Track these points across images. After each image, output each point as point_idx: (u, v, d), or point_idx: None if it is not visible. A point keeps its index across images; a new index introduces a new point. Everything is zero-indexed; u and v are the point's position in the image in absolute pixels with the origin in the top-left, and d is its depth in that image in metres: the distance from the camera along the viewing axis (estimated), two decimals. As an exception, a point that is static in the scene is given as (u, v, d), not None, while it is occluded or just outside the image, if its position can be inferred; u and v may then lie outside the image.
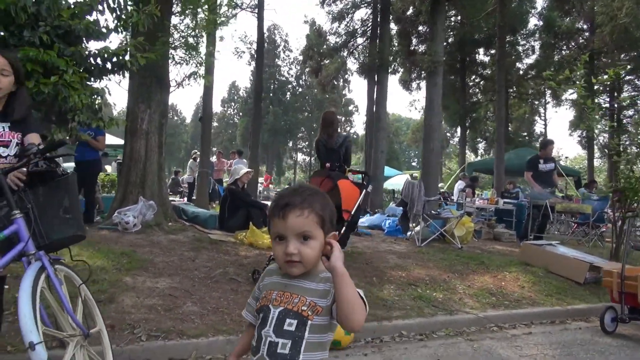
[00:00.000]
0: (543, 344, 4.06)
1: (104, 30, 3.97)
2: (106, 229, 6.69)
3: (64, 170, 2.34)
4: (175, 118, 69.68)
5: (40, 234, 2.27)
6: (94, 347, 2.55)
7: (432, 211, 7.88)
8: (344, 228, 4.81)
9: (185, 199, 15.30)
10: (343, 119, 55.27)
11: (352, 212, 4.87)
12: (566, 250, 6.55)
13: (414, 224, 7.77)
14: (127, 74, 4.35)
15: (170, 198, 16.00)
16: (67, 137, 5.16)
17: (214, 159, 16.61)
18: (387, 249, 6.97)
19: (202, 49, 8.11)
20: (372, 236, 8.28)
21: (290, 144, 60.96)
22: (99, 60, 4.09)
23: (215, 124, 69.07)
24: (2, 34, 3.17)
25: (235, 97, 63.97)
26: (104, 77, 4.22)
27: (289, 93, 56.98)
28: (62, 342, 2.34)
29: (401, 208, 8.05)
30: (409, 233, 7.99)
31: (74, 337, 2.24)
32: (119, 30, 4.24)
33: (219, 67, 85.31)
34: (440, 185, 18.70)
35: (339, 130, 6.44)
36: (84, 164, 7.31)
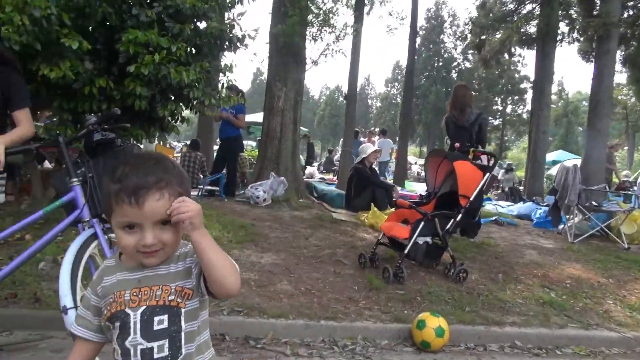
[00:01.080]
0: None
1: (211, 5, 4.03)
2: (241, 202, 7.11)
3: (122, 141, 2.38)
4: (340, 99, 71.79)
5: (99, 202, 2.34)
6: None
7: (593, 202, 6.64)
8: (459, 215, 4.26)
9: (336, 177, 15.62)
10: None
11: (472, 198, 4.28)
12: None
13: (567, 216, 6.65)
14: (237, 52, 4.38)
15: (322, 176, 16.65)
16: (194, 113, 5.49)
17: (365, 138, 16.62)
18: (528, 243, 6.09)
19: (339, 24, 7.91)
20: (516, 227, 7.34)
21: (454, 124, 58.14)
22: (209, 38, 4.20)
23: (378, 104, 69.31)
24: (113, 16, 3.38)
25: (399, 77, 63.21)
26: (214, 54, 4.33)
27: (454, 71, 54.24)
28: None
29: (553, 197, 6.94)
30: (560, 226, 6.88)
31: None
32: (228, 8, 4.30)
33: (382, 47, 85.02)
34: (625, 173, 16.10)
35: (472, 106, 5.74)
36: (226, 141, 7.83)
